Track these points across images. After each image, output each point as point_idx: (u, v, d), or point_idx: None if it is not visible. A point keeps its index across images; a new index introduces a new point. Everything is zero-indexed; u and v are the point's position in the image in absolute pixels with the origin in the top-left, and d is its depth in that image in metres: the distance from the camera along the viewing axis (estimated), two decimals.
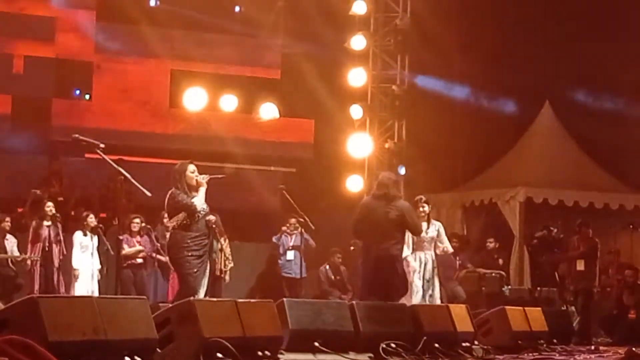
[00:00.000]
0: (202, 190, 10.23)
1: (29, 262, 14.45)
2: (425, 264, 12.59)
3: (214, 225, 10.56)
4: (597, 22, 19.13)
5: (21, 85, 19.41)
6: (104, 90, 19.97)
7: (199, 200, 10.16)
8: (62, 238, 14.64)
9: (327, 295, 16.71)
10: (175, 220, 10.17)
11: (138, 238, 15.16)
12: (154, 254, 15.30)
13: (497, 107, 19.76)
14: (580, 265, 15.26)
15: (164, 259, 14.90)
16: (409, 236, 12.53)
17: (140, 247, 15.05)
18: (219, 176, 10.70)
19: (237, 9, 20.35)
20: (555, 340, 12.91)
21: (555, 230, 16.63)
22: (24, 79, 19.32)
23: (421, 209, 12.68)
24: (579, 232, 15.50)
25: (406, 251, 12.56)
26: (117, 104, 19.84)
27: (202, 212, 10.15)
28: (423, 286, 12.53)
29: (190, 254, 10.04)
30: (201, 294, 10.01)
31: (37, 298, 6.74)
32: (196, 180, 10.24)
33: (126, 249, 14.78)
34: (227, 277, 15.46)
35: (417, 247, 12.61)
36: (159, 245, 15.16)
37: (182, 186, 10.19)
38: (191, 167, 10.31)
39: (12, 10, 18.94)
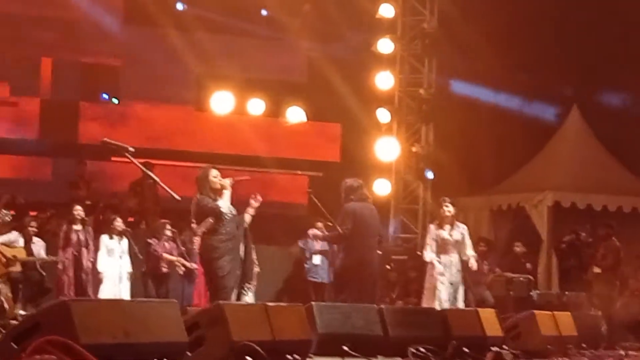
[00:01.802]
0: (227, 194, 10.24)
1: (60, 266, 14.31)
2: (449, 267, 12.55)
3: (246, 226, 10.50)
4: (628, 25, 19.01)
5: (49, 89, 19.48)
6: (131, 95, 20.03)
7: (224, 203, 10.17)
8: (91, 242, 14.53)
9: None
10: (204, 226, 10.18)
11: (166, 242, 15.18)
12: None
13: (526, 111, 19.67)
14: (597, 269, 15.21)
15: (189, 264, 14.97)
16: (431, 239, 12.57)
17: (181, 259, 15.11)
18: (243, 178, 10.71)
19: (263, 12, 20.35)
20: (584, 345, 12.83)
21: (584, 234, 16.53)
22: (52, 82, 19.39)
23: (445, 208, 12.65)
24: (605, 239, 15.37)
25: (430, 254, 12.57)
26: (144, 109, 19.89)
27: (228, 215, 10.16)
28: (448, 289, 12.50)
29: (221, 257, 10.04)
30: (233, 298, 10.01)
31: (69, 301, 6.74)
32: (220, 184, 10.26)
33: (168, 256, 15.04)
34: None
35: (441, 250, 12.57)
36: (184, 250, 15.16)
37: (207, 191, 10.22)
38: (213, 172, 10.33)
39: (39, 15, 19.01)
